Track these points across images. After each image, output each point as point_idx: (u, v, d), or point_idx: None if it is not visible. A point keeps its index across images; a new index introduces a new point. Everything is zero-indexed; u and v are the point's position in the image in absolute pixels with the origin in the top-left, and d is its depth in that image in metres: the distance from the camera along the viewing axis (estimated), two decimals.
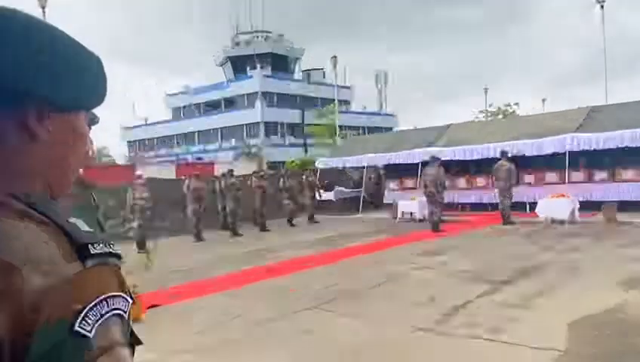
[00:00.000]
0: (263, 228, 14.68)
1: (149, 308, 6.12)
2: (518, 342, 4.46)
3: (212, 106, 53.13)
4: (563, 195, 13.16)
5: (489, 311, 5.48)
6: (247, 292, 7.03)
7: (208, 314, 5.97)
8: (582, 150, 13.76)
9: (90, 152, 0.78)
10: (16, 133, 0.62)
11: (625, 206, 13.20)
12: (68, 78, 0.65)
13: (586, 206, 13.27)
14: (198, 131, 52.73)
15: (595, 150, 13.67)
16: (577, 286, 6.44)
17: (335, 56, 25.58)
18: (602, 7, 22.31)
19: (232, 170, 15.67)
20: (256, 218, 15.33)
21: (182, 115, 55.86)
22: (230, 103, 51.74)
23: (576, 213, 12.82)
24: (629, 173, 14.23)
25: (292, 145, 45.97)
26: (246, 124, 48.42)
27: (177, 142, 55.60)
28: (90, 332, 0.51)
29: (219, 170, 21.17)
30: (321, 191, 18.47)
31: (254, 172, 17.39)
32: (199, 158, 42.42)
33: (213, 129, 51.51)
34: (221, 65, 55.26)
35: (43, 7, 18.31)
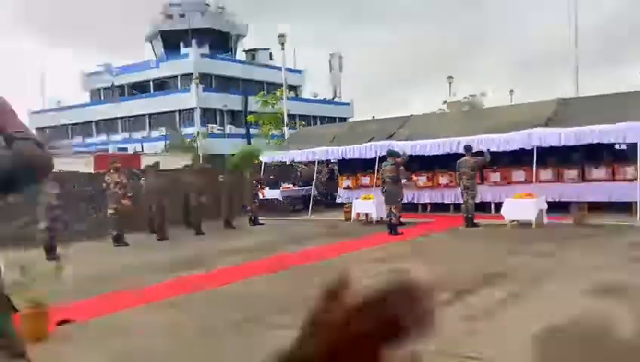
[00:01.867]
0: (198, 231, 14.47)
1: (59, 323, 5.94)
2: (478, 356, 4.63)
3: (139, 89, 51.69)
4: (530, 195, 13.61)
5: (450, 322, 5.57)
6: (178, 304, 6.91)
7: (130, 330, 5.86)
8: (550, 145, 14.20)
9: None
10: None
11: (595, 206, 13.81)
12: None
13: (554, 206, 13.84)
14: (122, 117, 51.17)
15: (563, 146, 14.18)
16: (543, 293, 6.72)
17: (283, 35, 25.29)
18: None
19: (156, 163, 15.45)
20: (190, 219, 15.12)
21: (101, 97, 54.05)
22: (160, 86, 50.57)
23: (544, 214, 13.33)
24: (599, 172, 14.81)
25: (232, 135, 45.33)
26: (179, 110, 47.43)
27: (97, 130, 53.81)
28: None
29: (145, 162, 20.68)
30: (265, 189, 18.37)
31: (185, 167, 17.07)
32: (123, 149, 41.26)
33: (139, 115, 50.02)
34: (150, 41, 53.85)
35: None
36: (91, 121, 53.61)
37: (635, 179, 13.01)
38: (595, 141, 13.46)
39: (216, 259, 10.29)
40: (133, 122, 50.85)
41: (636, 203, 12.90)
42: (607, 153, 14.64)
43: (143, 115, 49.77)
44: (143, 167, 18.01)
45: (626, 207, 13.44)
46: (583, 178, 14.95)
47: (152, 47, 53.91)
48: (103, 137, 51.68)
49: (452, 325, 5.51)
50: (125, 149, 39.96)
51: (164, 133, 45.40)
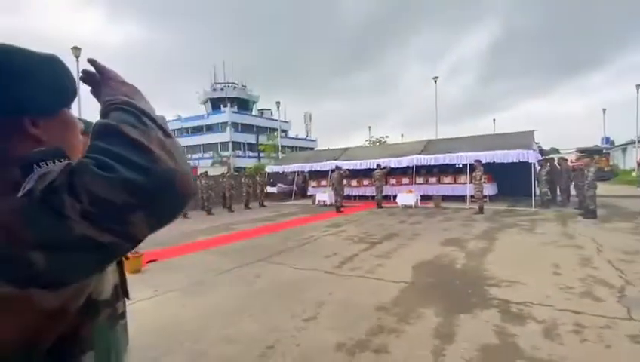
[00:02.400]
0: (230, 210, 14.22)
1: (149, 262, 5.81)
2: (382, 277, 4.69)
3: (196, 130, 50.77)
4: (411, 191, 13.89)
5: (367, 260, 5.67)
6: (219, 251, 6.83)
7: (191, 266, 5.77)
8: (422, 165, 14.45)
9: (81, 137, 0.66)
10: (22, 137, 0.55)
11: (445, 198, 14.18)
12: (38, 90, 0.56)
13: (424, 197, 14.14)
14: (187, 146, 50.19)
15: (429, 165, 14.50)
16: (418, 244, 6.75)
17: (279, 102, 25.29)
18: (435, 81, 23.80)
19: (206, 172, 15.19)
20: (225, 203, 14.89)
21: (175, 135, 52.80)
22: (209, 128, 49.73)
23: (418, 201, 13.60)
24: (447, 179, 15.04)
25: (250, 157, 45.09)
26: (219, 142, 46.83)
27: None
28: None
29: (199, 171, 20.36)
30: (268, 186, 18.28)
31: (223, 173, 16.81)
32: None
33: (197, 145, 49.33)
34: (203, 103, 53.02)
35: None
36: None
37: (465, 183, 13.32)
38: (446, 162, 13.76)
39: (239, 226, 10.18)
40: (193, 149, 49.83)
41: (466, 195, 13.26)
42: (452, 169, 14.97)
43: (199, 145, 49.00)
44: (198, 174, 17.59)
45: (462, 198, 13.73)
46: (439, 182, 15.15)
47: (205, 106, 52.94)
48: None
49: (369, 261, 5.61)
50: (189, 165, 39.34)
51: (211, 155, 44.79)
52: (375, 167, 14.31)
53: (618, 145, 36.89)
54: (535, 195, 12.07)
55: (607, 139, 38.25)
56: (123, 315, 0.69)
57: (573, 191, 11.95)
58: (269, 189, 18.63)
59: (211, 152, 45.37)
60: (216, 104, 50.39)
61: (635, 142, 26.20)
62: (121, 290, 0.70)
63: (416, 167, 14.57)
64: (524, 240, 6.78)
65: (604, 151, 31.40)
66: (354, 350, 2.79)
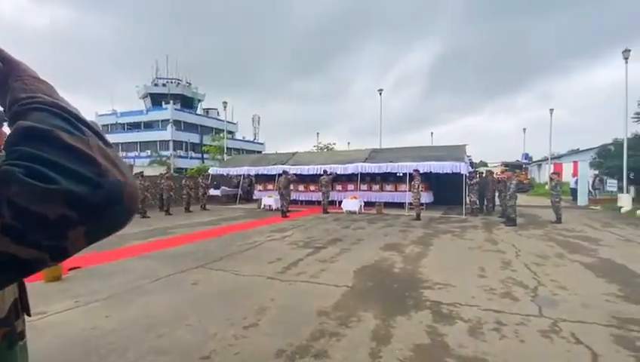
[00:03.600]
0: (168, 213, 13.41)
1: (70, 269, 5.24)
2: (325, 282, 4.74)
3: (133, 126, 47.30)
4: (356, 197, 14.29)
5: (311, 265, 5.69)
6: (153, 257, 6.39)
7: (120, 273, 5.31)
8: (366, 172, 14.98)
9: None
10: None
11: (387, 204, 14.82)
12: None
13: (368, 204, 14.63)
14: (122, 143, 46.54)
15: (373, 173, 15.07)
16: (360, 249, 6.93)
17: (225, 102, 24.43)
18: (380, 93, 24.93)
19: (142, 172, 14.21)
20: (163, 205, 13.99)
21: (109, 130, 48.72)
22: (148, 125, 46.60)
23: (362, 207, 14.04)
24: (389, 186, 15.75)
25: (192, 157, 43.06)
26: (159, 141, 44.06)
27: None
28: None
29: (134, 171, 18.99)
30: (211, 189, 17.60)
31: (161, 174, 15.85)
32: None
33: (133, 142, 45.90)
34: (142, 98, 49.59)
35: None
36: None
37: (404, 191, 14.05)
38: (388, 171, 14.42)
39: (178, 230, 9.65)
40: (128, 146, 46.29)
41: (404, 203, 13.98)
42: (393, 178, 15.70)
43: (136, 142, 45.69)
44: (132, 173, 16.37)
45: (401, 205, 14.41)
46: (381, 189, 15.82)
47: (144, 101, 49.59)
48: None
49: (313, 266, 5.64)
50: None
51: (149, 154, 41.96)
52: (322, 173, 14.52)
53: (535, 161, 41.67)
54: (465, 204, 13.12)
55: (527, 155, 42.97)
56: (22, 335, 0.59)
57: (497, 201, 13.22)
58: (213, 192, 17.94)
59: (149, 151, 42.53)
60: (157, 100, 47.43)
61: (548, 159, 29.85)
62: (21, 306, 0.60)
63: (361, 174, 15.10)
64: (455, 246, 7.32)
65: (523, 166, 35.27)
66: (294, 356, 2.77)
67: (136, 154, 44.72)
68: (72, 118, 0.46)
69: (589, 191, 17.75)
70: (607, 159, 16.82)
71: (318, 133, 36.36)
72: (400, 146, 17.17)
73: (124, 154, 45.21)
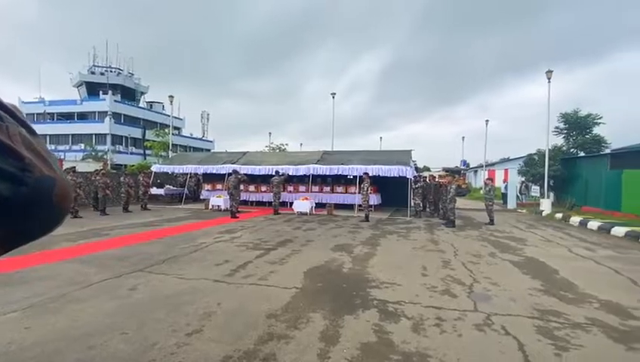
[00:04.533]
0: (103, 213, 12.34)
1: None
2: (274, 284, 4.68)
3: (64, 117, 42.99)
4: (307, 199, 14.35)
5: (260, 267, 5.59)
6: (85, 260, 5.84)
7: (46, 278, 4.78)
8: (318, 174, 15.09)
9: None
10: None
11: (337, 206, 15.06)
12: None
13: (319, 205, 14.76)
14: (50, 134, 42.05)
15: (325, 174, 15.25)
16: (310, 250, 6.96)
17: (172, 96, 23.10)
18: (333, 97, 25.35)
19: (74, 167, 12.98)
20: (98, 204, 12.86)
21: (35, 120, 43.78)
22: (82, 116, 42.64)
23: (313, 209, 14.13)
24: (340, 188, 16.02)
25: (133, 153, 40.17)
26: (95, 134, 40.48)
27: None
28: None
29: (65, 166, 17.26)
30: (153, 188, 16.56)
31: (96, 170, 14.59)
32: None
33: (64, 134, 41.70)
34: (77, 87, 45.28)
35: None
36: None
37: (354, 193, 14.40)
38: (339, 173, 14.67)
39: (115, 231, 8.93)
40: (58, 138, 41.96)
41: (354, 204, 14.33)
42: (343, 180, 16.01)
43: (67, 135, 41.57)
44: (63, 169, 14.86)
45: (351, 206, 14.75)
46: (332, 191, 16.05)
47: (79, 90, 45.30)
48: None
49: (263, 268, 5.55)
50: None
51: (82, 148, 38.36)
52: (274, 174, 14.37)
53: (472, 168, 45.13)
54: (410, 206, 13.80)
55: (465, 162, 46.40)
56: None
57: (439, 204, 14.08)
58: (155, 191, 16.92)
59: (83, 145, 38.89)
60: (93, 89, 43.60)
61: (483, 166, 32.48)
62: None
63: (313, 175, 15.18)
64: (401, 246, 7.65)
65: (462, 171, 38.02)
66: (240, 361, 2.68)
67: (68, 147, 40.76)
68: None
69: (517, 196, 19.62)
70: (531, 167, 18.69)
71: (270, 133, 35.90)
72: (351, 149, 17.58)
73: (52, 147, 41.01)
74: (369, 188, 12.61)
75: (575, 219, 12.34)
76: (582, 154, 18.37)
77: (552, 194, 17.57)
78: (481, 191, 17.04)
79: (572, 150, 18.93)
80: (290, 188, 16.27)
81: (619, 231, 9.65)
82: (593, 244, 8.23)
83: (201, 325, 3.33)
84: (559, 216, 13.76)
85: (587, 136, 18.52)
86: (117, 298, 4.05)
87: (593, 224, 11.00)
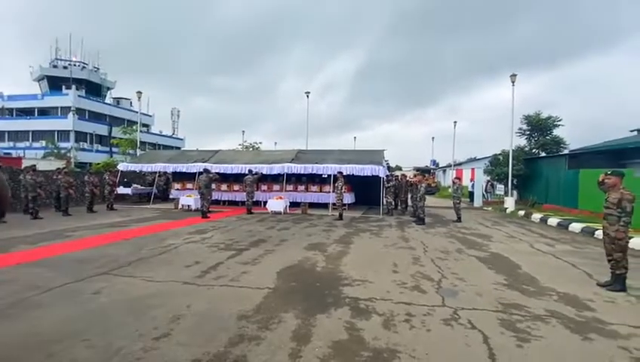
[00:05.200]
0: (66, 213, 11.67)
1: None
2: (246, 285, 4.61)
3: (24, 112, 40.39)
4: (281, 198, 14.24)
5: (232, 268, 5.49)
6: (46, 263, 5.50)
7: (4, 282, 4.46)
8: (292, 173, 15.01)
9: None
10: None
11: (312, 205, 15.06)
12: None
13: (293, 204, 14.70)
14: (8, 131, 39.39)
15: (299, 173, 15.18)
16: (284, 249, 6.91)
17: (140, 92, 22.15)
18: (308, 96, 25.35)
19: (34, 165, 12.20)
20: (60, 205, 12.15)
21: None
22: (43, 112, 40.22)
23: (287, 208, 14.05)
24: (314, 187, 16.01)
25: (99, 151, 38.34)
26: (58, 130, 38.29)
27: None
28: None
29: (24, 164, 16.23)
30: (120, 187, 15.85)
31: (58, 169, 13.80)
32: (7, 153, 31.74)
33: (24, 131, 39.16)
34: (38, 81, 42.67)
35: None
36: None
37: (329, 192, 14.44)
38: (314, 172, 14.65)
39: (78, 233, 8.49)
40: (17, 135, 39.36)
41: (328, 203, 14.37)
42: (318, 179, 16.02)
43: (27, 131, 39.06)
44: (22, 167, 13.95)
45: (325, 205, 14.79)
46: (307, 190, 16.01)
47: (40, 85, 42.69)
48: None
49: (235, 269, 5.45)
50: (10, 154, 30.97)
51: (43, 145, 36.15)
52: (247, 173, 14.15)
53: (441, 167, 46.52)
54: (382, 204, 14.03)
55: (434, 161, 47.77)
56: None
57: (410, 202, 14.40)
58: (122, 190, 16.22)
59: (44, 142, 36.66)
60: (56, 84, 41.31)
61: (451, 166, 33.57)
62: None
63: (287, 174, 15.09)
64: (373, 244, 7.76)
65: (432, 170, 39.09)
66: None
67: (28, 144, 38.39)
68: None
69: (483, 195, 20.43)
70: (497, 167, 19.51)
71: (243, 132, 35.46)
72: (325, 148, 17.64)
73: (11, 144, 38.50)
74: (343, 187, 12.70)
75: (536, 216, 13.00)
76: (543, 154, 19.38)
77: (515, 193, 18.43)
78: (450, 190, 17.61)
79: (534, 150, 19.93)
80: (264, 188, 16.10)
81: (576, 227, 10.27)
82: (553, 240, 8.70)
83: (170, 328, 3.22)
84: (522, 213, 14.45)
85: (548, 138, 19.55)
86: (79, 303, 3.85)
87: (553, 221, 11.64)
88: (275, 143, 48.02)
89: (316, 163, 14.51)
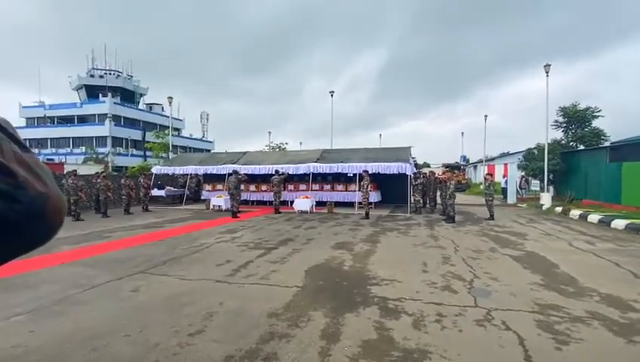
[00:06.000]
0: (105, 215, 12.34)
1: None
2: (275, 283, 4.70)
3: (65, 120, 42.99)
4: (307, 197, 14.35)
5: (262, 266, 5.61)
6: (88, 263, 5.85)
7: (48, 282, 4.79)
8: (318, 172, 15.08)
9: None
10: None
11: (337, 204, 15.07)
12: None
13: (319, 203, 14.77)
14: (51, 138, 42.07)
15: (325, 173, 15.24)
16: (311, 248, 6.96)
17: (171, 97, 23.05)
18: (332, 95, 25.33)
19: (75, 170, 12.96)
20: (100, 207, 12.87)
21: (36, 123, 43.85)
22: (82, 120, 42.62)
23: (314, 207, 14.14)
24: (340, 186, 16.02)
25: (134, 155, 40.12)
26: (96, 137, 40.46)
27: (30, 145, 42.90)
28: None
29: (66, 169, 17.30)
30: (154, 189, 16.56)
31: (97, 173, 14.61)
32: (50, 159, 33.94)
33: (64, 138, 41.72)
34: (77, 90, 45.25)
35: None
36: (26, 139, 42.37)
37: (354, 191, 14.40)
38: (339, 171, 14.66)
39: (116, 233, 8.95)
40: (59, 142, 41.97)
41: (354, 202, 14.32)
42: (343, 178, 16.00)
43: (67, 138, 41.57)
44: (65, 172, 14.85)
45: (351, 204, 14.75)
46: (332, 189, 16.05)
47: (78, 93, 45.27)
48: (35, 151, 41.55)
49: (264, 268, 5.56)
50: (52, 159, 33.15)
51: (83, 151, 38.35)
52: (274, 173, 14.37)
53: (471, 163, 45.07)
54: (410, 203, 13.79)
55: (464, 157, 46.35)
56: None
57: (438, 200, 14.08)
58: (156, 193, 16.93)
59: (83, 148, 38.86)
60: (93, 92, 43.58)
61: (482, 161, 32.46)
62: None
63: (313, 174, 15.17)
64: (401, 243, 7.65)
65: (461, 167, 38.00)
66: (242, 361, 2.69)
67: (69, 150, 40.80)
68: None
69: (517, 191, 19.60)
70: (531, 162, 18.65)
71: (269, 133, 35.88)
72: (350, 147, 17.57)
73: (54, 150, 41.08)
74: (369, 186, 12.60)
75: (575, 213, 12.33)
76: (581, 147, 18.33)
77: (551, 188, 17.55)
78: (481, 187, 17.03)
79: (571, 143, 18.89)
80: (291, 187, 16.27)
81: (619, 223, 9.65)
82: (593, 237, 8.23)
83: (203, 325, 3.34)
84: (559, 209, 13.75)
85: (586, 130, 18.46)
86: (119, 300, 4.07)
87: (593, 217, 11.00)
88: (301, 143, 48.35)
89: (341, 162, 14.49)
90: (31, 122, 43.93)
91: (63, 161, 31.50)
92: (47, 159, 33.79)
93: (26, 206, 0.36)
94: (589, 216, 11.26)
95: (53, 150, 41.51)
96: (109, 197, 12.87)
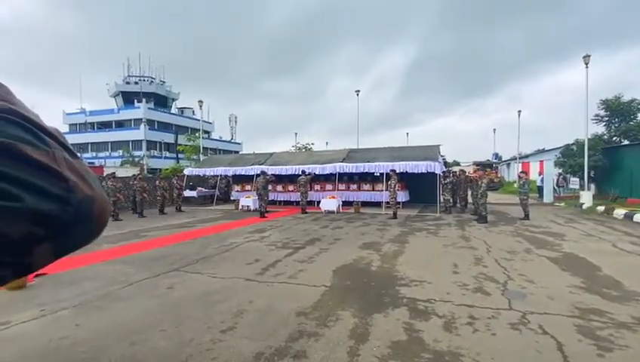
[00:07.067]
0: (141, 215, 12.95)
1: (35, 276, 4.94)
2: (303, 283, 4.75)
3: (104, 125, 45.49)
4: (334, 197, 14.37)
5: (290, 266, 5.68)
6: (126, 261, 6.17)
7: (91, 278, 5.10)
8: (344, 172, 15.07)
9: None
10: None
11: (364, 203, 14.97)
12: None
13: (346, 203, 14.74)
14: (91, 143, 44.66)
15: (351, 172, 15.20)
16: (338, 248, 6.97)
17: (201, 101, 23.83)
18: (358, 94, 25.17)
19: (114, 173, 13.68)
20: (136, 207, 13.51)
21: (77, 129, 46.70)
22: (119, 125, 44.93)
23: (340, 207, 14.13)
24: (366, 186, 15.90)
25: (167, 157, 41.81)
26: (132, 140, 42.53)
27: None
28: None
29: (106, 172, 18.30)
30: (186, 190, 17.18)
31: (134, 175, 15.35)
32: (91, 163, 36.05)
33: (104, 142, 44.18)
34: (114, 97, 47.78)
35: None
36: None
37: (381, 191, 14.26)
38: (365, 170, 14.56)
39: (152, 233, 9.36)
40: (98, 146, 44.47)
41: (381, 202, 14.18)
42: (370, 177, 15.86)
43: (106, 142, 43.96)
44: (104, 174, 15.70)
45: (378, 204, 14.63)
46: (359, 189, 15.95)
47: (115, 100, 47.78)
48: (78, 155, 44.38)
49: (292, 267, 5.63)
50: (93, 163, 35.21)
51: (121, 154, 40.44)
52: (300, 173, 14.50)
53: (504, 161, 43.33)
54: (439, 202, 13.46)
55: (497, 155, 44.65)
56: None
57: (469, 199, 13.64)
58: (188, 193, 17.55)
59: (121, 151, 40.95)
60: (129, 98, 45.85)
61: (516, 159, 31.13)
62: None
63: (339, 174, 15.17)
64: (430, 243, 7.49)
65: (493, 165, 36.62)
66: (272, 358, 2.75)
67: (108, 154, 43.11)
68: (34, 128, 0.42)
69: (554, 189, 18.64)
70: (569, 158, 17.68)
71: (296, 133, 36.25)
72: (377, 146, 17.40)
73: (94, 154, 43.53)
74: (396, 185, 12.43)
75: (619, 212, 11.56)
76: (625, 142, 17.16)
77: (592, 186, 16.54)
78: (515, 185, 16.33)
79: (614, 138, 17.76)
80: (317, 187, 16.34)
81: None
82: None
83: (235, 322, 3.44)
84: (601, 209, 12.94)
85: (631, 123, 17.28)
86: (155, 296, 4.26)
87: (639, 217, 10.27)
88: (327, 143, 48.39)
89: (368, 161, 14.39)
90: (73, 128, 46.77)
91: (103, 164, 33.37)
92: (88, 162, 35.94)
93: (76, 207, 0.40)
94: (635, 216, 10.52)
95: (94, 154, 43.99)
96: (144, 198, 13.50)
